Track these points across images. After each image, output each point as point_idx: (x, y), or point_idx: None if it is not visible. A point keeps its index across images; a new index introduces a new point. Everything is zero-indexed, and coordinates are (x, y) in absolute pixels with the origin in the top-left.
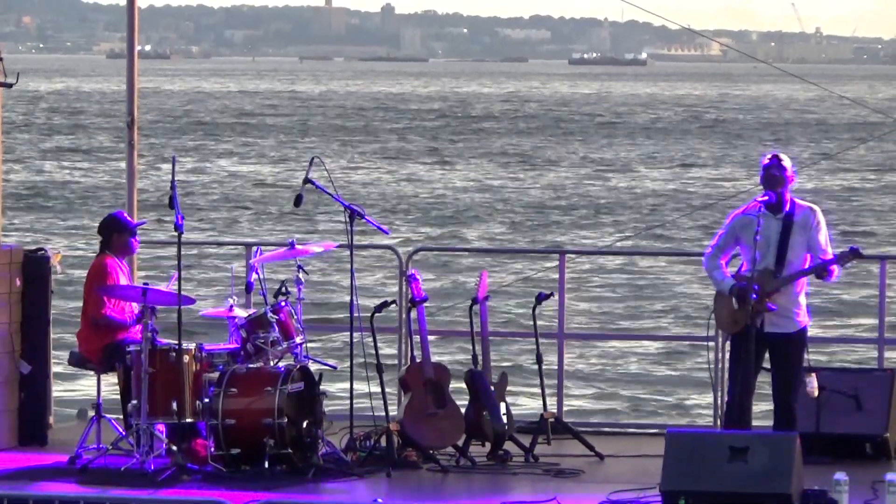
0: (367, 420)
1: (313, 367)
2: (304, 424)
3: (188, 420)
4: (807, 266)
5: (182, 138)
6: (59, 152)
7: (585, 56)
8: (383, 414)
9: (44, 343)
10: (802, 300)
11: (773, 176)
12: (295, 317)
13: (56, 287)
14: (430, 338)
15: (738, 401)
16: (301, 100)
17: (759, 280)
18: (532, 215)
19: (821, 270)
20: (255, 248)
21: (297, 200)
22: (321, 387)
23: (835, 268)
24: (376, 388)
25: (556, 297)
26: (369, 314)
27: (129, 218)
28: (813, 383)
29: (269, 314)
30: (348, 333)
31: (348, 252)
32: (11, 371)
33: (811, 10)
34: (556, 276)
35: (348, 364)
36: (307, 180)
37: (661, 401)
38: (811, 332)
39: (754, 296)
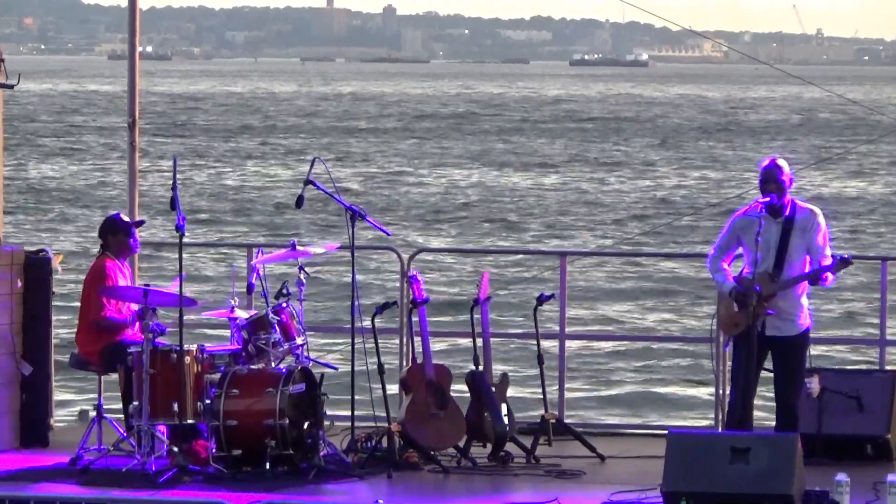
0: (368, 421)
1: (314, 368)
2: (306, 425)
3: (189, 421)
4: (807, 269)
5: (194, 139)
6: (62, 153)
7: (586, 57)
8: (384, 415)
9: (45, 344)
10: (804, 302)
11: (771, 180)
12: (296, 318)
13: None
14: (431, 339)
15: (739, 402)
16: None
17: (758, 283)
18: (534, 216)
19: (814, 277)
20: (256, 250)
21: (299, 201)
22: (322, 388)
23: (828, 274)
24: (377, 390)
25: (558, 298)
26: (370, 315)
27: (125, 219)
28: (814, 384)
29: (271, 315)
30: (349, 334)
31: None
32: (13, 372)
33: (812, 11)
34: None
35: (349, 365)
36: (308, 181)
37: (662, 402)
38: (812, 333)
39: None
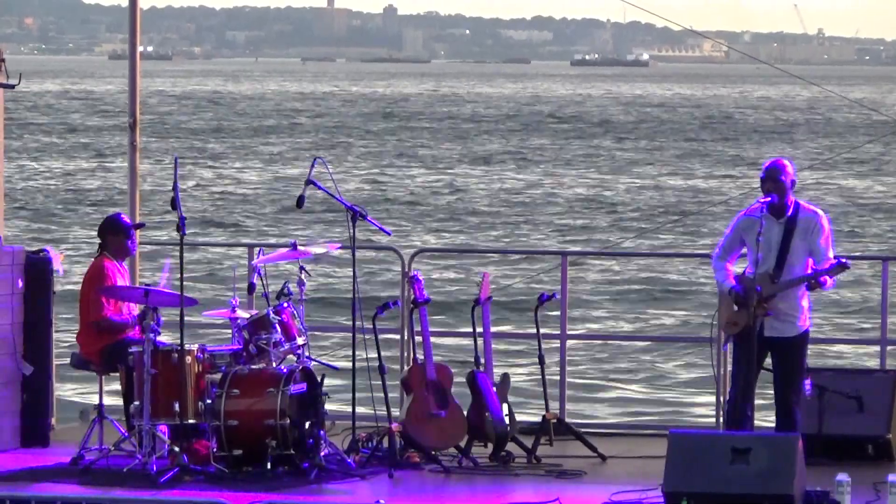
0: (369, 421)
1: (315, 367)
2: (307, 425)
3: (190, 421)
4: (808, 272)
5: (192, 139)
6: (64, 152)
7: (587, 57)
8: (385, 415)
9: (46, 344)
10: (805, 304)
11: (770, 179)
12: (297, 318)
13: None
14: (432, 339)
15: (739, 401)
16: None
17: (759, 283)
18: (534, 216)
19: (813, 280)
20: (257, 249)
21: (299, 201)
22: (323, 388)
23: (827, 278)
24: (378, 389)
25: (559, 297)
26: (371, 315)
27: (125, 219)
28: (807, 386)
29: (271, 315)
30: (350, 334)
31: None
32: (14, 372)
33: (814, 11)
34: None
35: (350, 365)
36: (309, 181)
37: (663, 402)
38: (812, 333)
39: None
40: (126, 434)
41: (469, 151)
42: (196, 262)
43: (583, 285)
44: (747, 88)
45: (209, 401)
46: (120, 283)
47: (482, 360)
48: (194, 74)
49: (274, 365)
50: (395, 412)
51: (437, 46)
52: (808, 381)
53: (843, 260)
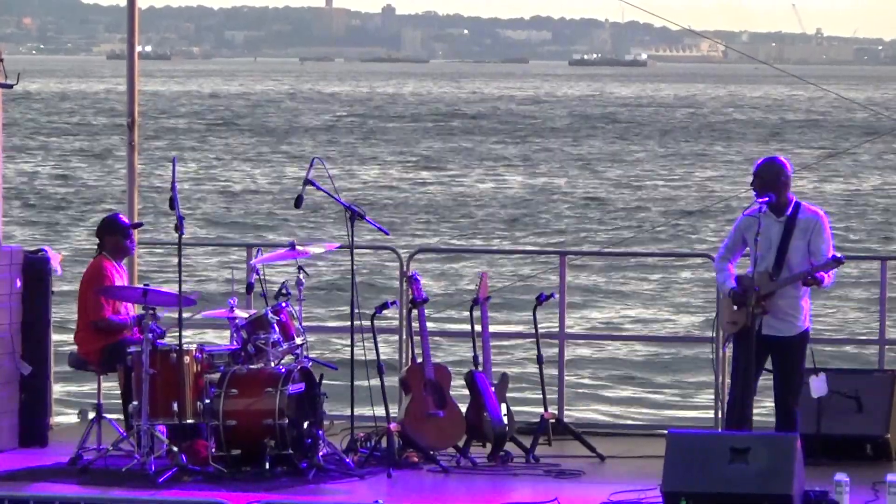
0: (367, 421)
1: (314, 367)
2: (305, 425)
3: (189, 421)
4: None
5: (193, 138)
6: (64, 153)
7: (586, 57)
8: (384, 415)
9: (44, 344)
10: (805, 304)
11: (765, 179)
12: (296, 317)
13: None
14: (431, 338)
15: (738, 401)
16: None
17: (757, 282)
18: (533, 216)
19: (811, 276)
20: (255, 249)
21: (298, 201)
22: (321, 387)
23: (824, 275)
24: (377, 389)
25: (557, 297)
26: (370, 314)
27: (123, 219)
28: (821, 385)
29: (270, 315)
30: (349, 334)
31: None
32: (12, 372)
33: (812, 11)
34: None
35: (349, 364)
36: (307, 181)
37: (662, 402)
38: (813, 334)
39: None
40: (124, 434)
41: (468, 151)
42: (201, 263)
43: (582, 286)
44: (742, 87)
45: (207, 400)
46: (118, 283)
47: (481, 360)
48: (193, 74)
49: (272, 365)
50: (394, 412)
51: (435, 46)
52: (820, 380)
53: (838, 255)
